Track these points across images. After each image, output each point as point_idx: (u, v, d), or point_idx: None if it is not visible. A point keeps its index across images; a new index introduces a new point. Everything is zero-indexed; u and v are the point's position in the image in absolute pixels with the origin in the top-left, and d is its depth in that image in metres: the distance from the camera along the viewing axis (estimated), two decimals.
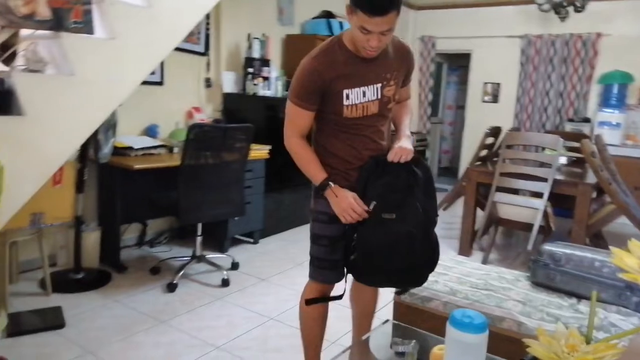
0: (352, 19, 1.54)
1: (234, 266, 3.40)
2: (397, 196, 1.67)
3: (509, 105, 6.49)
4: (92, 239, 3.20)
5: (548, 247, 2.36)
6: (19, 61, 2.07)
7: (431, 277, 2.33)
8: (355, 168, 1.75)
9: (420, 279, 1.85)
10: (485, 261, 3.91)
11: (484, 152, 4.42)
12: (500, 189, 3.81)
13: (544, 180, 3.66)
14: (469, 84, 6.89)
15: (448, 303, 2.16)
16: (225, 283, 3.10)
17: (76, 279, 2.99)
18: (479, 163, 4.43)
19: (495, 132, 4.45)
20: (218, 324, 2.60)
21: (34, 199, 2.42)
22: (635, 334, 1.07)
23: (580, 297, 2.21)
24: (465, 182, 4.20)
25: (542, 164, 3.82)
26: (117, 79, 2.28)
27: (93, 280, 3.02)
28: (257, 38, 4.20)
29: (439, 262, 2.55)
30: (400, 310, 2.24)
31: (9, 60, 2.02)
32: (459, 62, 8.00)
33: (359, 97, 1.67)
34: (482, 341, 1.25)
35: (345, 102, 1.66)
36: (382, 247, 1.67)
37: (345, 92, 1.65)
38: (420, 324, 2.02)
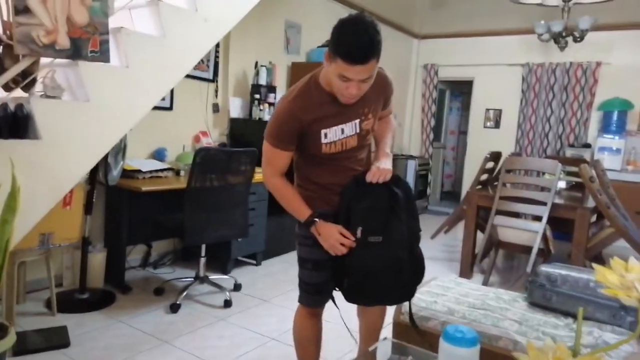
0: (330, 66, 1.52)
1: (237, 287, 3.45)
2: (381, 218, 1.69)
3: (510, 131, 6.59)
4: (98, 259, 3.27)
5: (544, 268, 2.41)
6: (38, 87, 2.18)
7: (430, 297, 2.39)
8: (337, 193, 1.76)
9: (410, 293, 1.88)
10: (485, 283, 3.94)
11: (484, 177, 4.49)
12: (500, 212, 3.87)
13: (544, 204, 3.72)
14: (471, 110, 7.01)
15: (446, 322, 2.19)
16: (227, 304, 3.15)
17: (81, 299, 3.05)
18: (479, 187, 4.50)
19: (495, 156, 4.53)
20: (220, 344, 2.64)
21: (44, 220, 2.49)
22: (629, 354, 1.12)
23: (576, 317, 2.24)
24: (466, 205, 4.26)
25: (542, 188, 3.88)
26: (130, 104, 2.39)
27: (98, 301, 3.07)
28: (264, 66, 4.35)
29: (438, 283, 2.63)
30: (399, 329, 2.28)
31: (28, 87, 2.14)
32: (462, 89, 8.15)
33: (337, 135, 1.67)
34: (474, 355, 1.30)
35: (324, 141, 1.66)
36: (371, 271, 1.71)
37: (323, 132, 1.66)
38: (419, 343, 2.06)
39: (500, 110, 6.73)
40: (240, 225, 3.25)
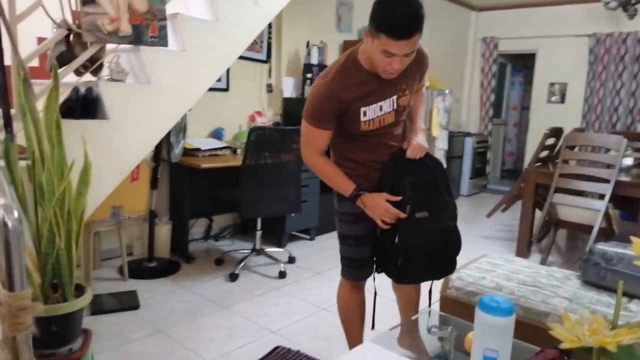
0: (373, 43, 1.52)
1: (291, 260, 3.60)
2: (424, 193, 1.73)
3: (576, 106, 6.27)
4: (164, 231, 3.52)
5: (600, 246, 2.35)
6: (105, 72, 2.37)
7: (478, 273, 2.40)
8: (375, 169, 1.79)
9: (453, 266, 1.91)
10: (543, 263, 3.85)
11: (544, 153, 4.34)
12: (560, 190, 3.74)
13: (607, 181, 3.55)
14: (533, 85, 6.72)
15: (514, 304, 2.20)
16: (282, 275, 3.30)
17: (150, 267, 3.31)
18: (538, 164, 4.35)
19: (556, 132, 4.35)
20: (274, 312, 2.79)
21: (114, 194, 2.73)
22: None
23: (631, 296, 2.18)
24: (524, 183, 4.15)
25: (606, 165, 3.71)
26: (187, 86, 2.53)
27: (164, 269, 3.32)
28: (315, 45, 4.40)
29: (489, 260, 2.63)
30: (446, 303, 2.31)
31: (96, 72, 2.33)
32: (525, 62, 7.79)
33: (375, 112, 1.68)
34: (509, 324, 1.32)
35: (363, 119, 1.67)
36: (424, 246, 1.73)
37: (362, 110, 1.66)
38: (465, 318, 2.09)
39: (565, 84, 6.40)
40: (292, 201, 3.38)
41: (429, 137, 5.57)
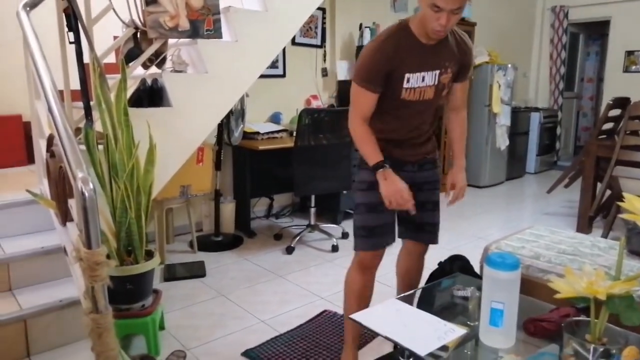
0: None
1: (344, 235, 3.79)
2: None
3: None
4: (228, 209, 3.84)
5: None
6: (168, 64, 2.66)
7: (518, 243, 2.45)
8: (396, 146, 1.85)
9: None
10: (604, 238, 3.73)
11: (608, 125, 4.16)
12: (621, 162, 3.60)
13: None
14: (607, 54, 6.34)
15: (530, 267, 2.24)
16: (334, 249, 3.51)
17: (216, 241, 3.65)
18: (602, 137, 4.18)
19: (621, 103, 4.15)
20: (325, 281, 3.01)
21: (182, 175, 3.06)
22: None
23: None
24: (585, 157, 4.02)
25: None
26: (241, 73, 2.75)
27: (229, 243, 3.65)
28: (368, 27, 4.50)
29: (532, 232, 2.65)
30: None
31: (160, 64, 2.62)
32: (601, 31, 7.33)
33: (418, 82, 1.72)
34: (515, 278, 1.42)
35: (406, 85, 1.72)
36: None
37: (407, 75, 1.70)
38: None
39: None
40: (343, 179, 3.55)
41: (489, 114, 5.49)
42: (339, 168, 3.52)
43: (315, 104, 4.36)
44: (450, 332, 1.51)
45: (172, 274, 3.06)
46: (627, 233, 2.34)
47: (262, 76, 2.89)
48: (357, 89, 1.76)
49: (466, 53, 1.83)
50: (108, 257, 1.96)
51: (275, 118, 4.23)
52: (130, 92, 2.48)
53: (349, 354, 2.07)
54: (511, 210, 4.80)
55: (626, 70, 6.18)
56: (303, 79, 4.45)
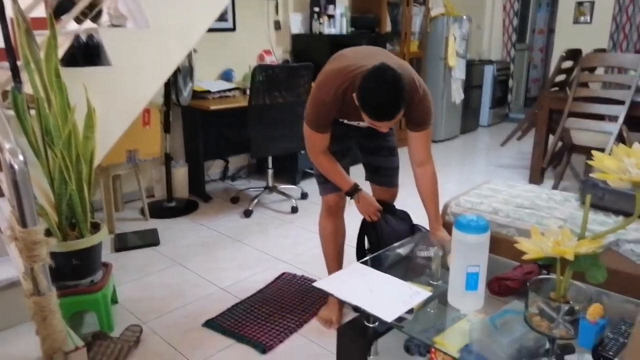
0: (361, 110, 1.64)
1: (303, 196, 3.73)
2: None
3: (604, 26, 5.94)
4: (181, 173, 3.67)
5: None
6: (104, 18, 2.42)
7: (477, 199, 2.45)
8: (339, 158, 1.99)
9: None
10: (555, 189, 3.84)
11: (560, 77, 4.21)
12: (574, 114, 3.67)
13: (621, 103, 3.46)
14: (559, 4, 6.37)
15: (489, 222, 2.26)
16: (294, 210, 3.44)
17: (169, 207, 3.50)
18: (555, 89, 4.24)
19: (574, 55, 4.19)
20: (284, 243, 2.95)
21: (128, 139, 2.86)
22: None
23: (628, 214, 2.20)
24: (538, 109, 4.08)
25: (622, 86, 3.59)
26: (186, 27, 2.54)
27: (183, 208, 3.51)
28: None
29: (490, 186, 2.66)
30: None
31: (96, 18, 2.38)
32: None
33: (355, 123, 1.92)
34: (486, 240, 1.40)
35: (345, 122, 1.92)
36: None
37: (346, 121, 1.90)
38: None
39: (593, 2, 6.05)
40: (302, 138, 3.43)
41: (445, 67, 5.46)
42: (296, 127, 3.38)
43: (268, 59, 4.17)
44: (416, 294, 1.48)
45: (123, 243, 2.91)
46: (580, 185, 2.38)
47: (210, 30, 2.69)
48: (312, 133, 1.88)
49: (410, 106, 1.73)
50: (48, 233, 1.81)
51: (226, 75, 4.02)
52: (62, 50, 2.24)
53: (334, 305, 2.16)
54: (466, 164, 4.86)
55: (576, 21, 6.25)
56: (255, 33, 4.22)
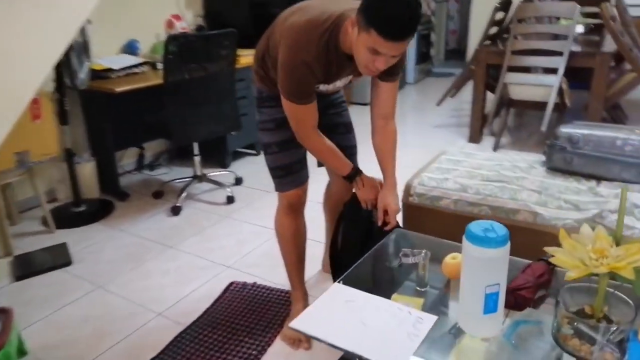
0: (359, 35, 1.35)
1: (238, 181, 3.32)
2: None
3: None
4: (87, 169, 3.10)
5: (565, 129, 2.19)
6: None
7: (440, 174, 2.21)
8: None
9: None
10: (496, 146, 3.76)
11: (493, 30, 4.07)
12: (512, 69, 3.54)
13: (560, 54, 3.37)
14: None
15: (459, 201, 2.05)
16: (230, 200, 3.03)
17: (78, 212, 2.93)
18: (488, 42, 4.10)
19: (505, 5, 4.05)
20: (227, 243, 2.56)
21: (15, 138, 2.29)
22: None
23: (599, 178, 2.07)
24: (474, 64, 3.92)
25: (557, 36, 3.50)
26: None
27: (95, 212, 2.96)
28: None
29: (448, 157, 2.44)
30: (409, 212, 2.14)
31: None
32: None
33: (327, 88, 1.64)
34: (506, 252, 1.11)
35: (317, 90, 1.60)
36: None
37: (322, 86, 1.61)
38: (431, 226, 1.92)
39: None
40: (231, 118, 3.00)
41: None
42: (223, 105, 2.94)
43: (179, 25, 3.60)
44: (419, 322, 1.20)
45: (25, 268, 2.37)
46: (546, 150, 2.21)
47: None
48: (294, 106, 1.56)
49: None
50: None
51: (130, 48, 3.42)
52: None
53: (300, 306, 1.88)
54: (401, 125, 4.64)
55: None
56: None
